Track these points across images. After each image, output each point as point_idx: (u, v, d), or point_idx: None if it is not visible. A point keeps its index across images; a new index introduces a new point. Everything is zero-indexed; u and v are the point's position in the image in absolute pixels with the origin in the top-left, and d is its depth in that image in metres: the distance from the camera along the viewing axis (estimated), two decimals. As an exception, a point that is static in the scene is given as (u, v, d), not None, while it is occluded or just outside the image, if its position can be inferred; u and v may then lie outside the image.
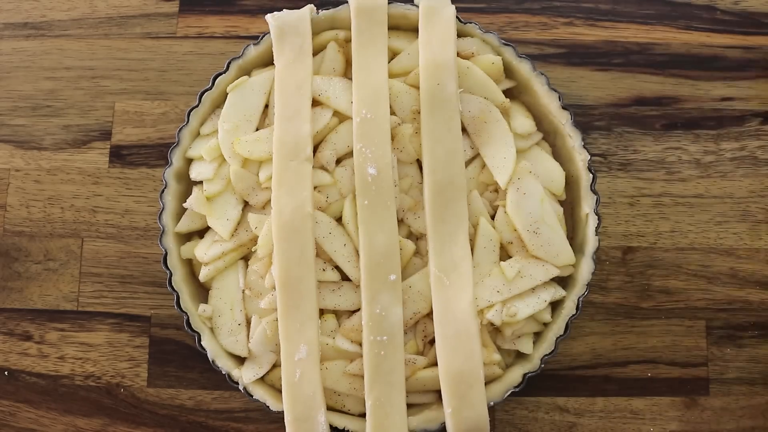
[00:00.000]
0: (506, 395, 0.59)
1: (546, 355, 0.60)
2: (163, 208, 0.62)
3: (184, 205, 0.61)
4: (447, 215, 0.59)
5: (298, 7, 0.63)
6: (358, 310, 0.59)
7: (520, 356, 0.61)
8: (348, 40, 0.63)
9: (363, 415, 0.58)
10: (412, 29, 0.64)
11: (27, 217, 0.70)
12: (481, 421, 0.57)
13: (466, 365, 0.57)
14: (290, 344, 0.57)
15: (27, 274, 0.69)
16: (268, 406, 0.58)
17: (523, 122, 0.63)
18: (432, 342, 0.59)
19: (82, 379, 0.67)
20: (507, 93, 0.64)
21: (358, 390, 0.58)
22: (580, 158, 0.62)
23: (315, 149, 0.61)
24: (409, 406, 0.58)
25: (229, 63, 0.62)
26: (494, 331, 0.60)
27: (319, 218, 0.59)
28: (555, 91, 0.63)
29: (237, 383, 0.59)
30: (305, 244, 0.58)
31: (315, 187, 0.60)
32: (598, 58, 0.72)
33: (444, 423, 0.58)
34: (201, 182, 0.62)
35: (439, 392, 0.59)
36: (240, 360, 0.61)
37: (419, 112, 0.61)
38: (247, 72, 0.64)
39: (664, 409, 0.66)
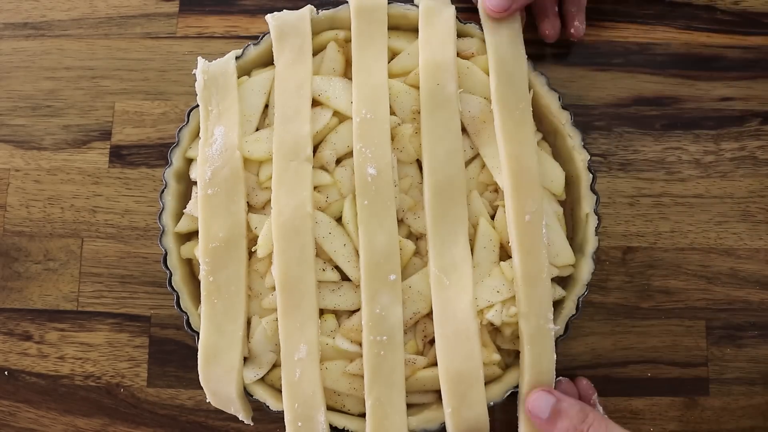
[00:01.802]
0: (506, 395, 0.59)
1: (546, 355, 0.60)
2: (163, 208, 0.62)
3: (185, 211, 0.61)
4: (447, 215, 0.59)
5: (298, 7, 0.63)
6: (358, 310, 0.59)
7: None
8: (348, 40, 0.63)
9: (363, 415, 0.58)
10: (412, 29, 0.64)
11: (27, 217, 0.70)
12: (481, 421, 0.57)
13: (465, 365, 0.57)
14: (290, 344, 0.57)
15: (27, 274, 0.69)
16: (268, 406, 0.58)
17: (523, 122, 0.63)
18: (432, 342, 0.59)
19: (82, 379, 0.67)
20: (507, 93, 0.64)
21: (358, 390, 0.58)
22: (580, 158, 0.62)
23: (315, 149, 0.61)
24: (409, 406, 0.58)
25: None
26: (494, 331, 0.60)
27: (319, 218, 0.59)
28: (555, 91, 0.63)
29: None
30: (305, 244, 0.58)
31: (315, 187, 0.60)
32: (598, 58, 0.72)
33: (444, 423, 0.58)
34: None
35: (439, 392, 0.59)
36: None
37: (419, 112, 0.61)
38: (247, 72, 0.64)
39: (663, 409, 0.66)
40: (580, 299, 0.60)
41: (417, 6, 0.63)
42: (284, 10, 0.63)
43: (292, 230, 0.58)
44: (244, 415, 0.59)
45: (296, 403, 0.57)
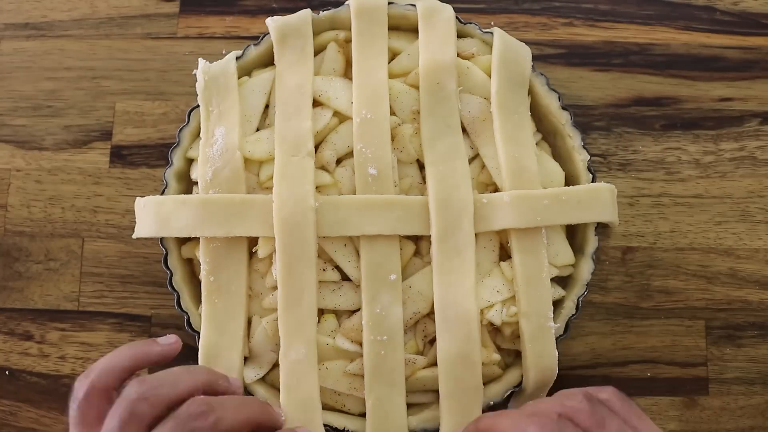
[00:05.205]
0: (506, 395, 0.59)
1: (546, 354, 0.60)
2: (163, 208, 0.62)
3: None
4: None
5: (298, 8, 0.64)
6: (358, 310, 0.59)
7: (520, 356, 0.61)
8: (348, 41, 0.64)
9: (363, 415, 0.58)
10: (412, 29, 0.64)
11: (28, 217, 0.70)
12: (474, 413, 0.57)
13: (465, 347, 0.57)
14: (288, 343, 0.57)
15: (28, 273, 0.69)
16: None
17: (523, 122, 0.63)
18: (432, 342, 0.59)
19: (82, 379, 0.67)
20: (507, 93, 0.64)
21: (358, 390, 0.58)
22: (580, 158, 0.62)
23: (315, 149, 0.61)
24: (409, 405, 0.59)
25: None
26: (494, 331, 0.60)
27: (320, 218, 0.59)
28: (555, 91, 0.63)
29: (237, 383, 0.59)
30: (307, 237, 0.58)
31: (315, 187, 0.60)
32: (597, 59, 0.72)
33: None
34: (201, 182, 0.62)
35: (438, 392, 0.59)
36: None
37: (419, 112, 0.61)
38: (247, 72, 0.64)
39: (663, 409, 0.66)
40: (580, 299, 0.61)
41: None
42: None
43: (294, 224, 0.57)
44: None
45: (294, 407, 0.57)
